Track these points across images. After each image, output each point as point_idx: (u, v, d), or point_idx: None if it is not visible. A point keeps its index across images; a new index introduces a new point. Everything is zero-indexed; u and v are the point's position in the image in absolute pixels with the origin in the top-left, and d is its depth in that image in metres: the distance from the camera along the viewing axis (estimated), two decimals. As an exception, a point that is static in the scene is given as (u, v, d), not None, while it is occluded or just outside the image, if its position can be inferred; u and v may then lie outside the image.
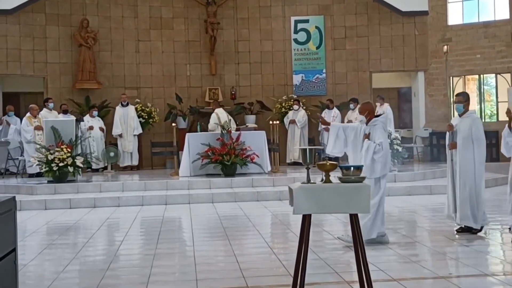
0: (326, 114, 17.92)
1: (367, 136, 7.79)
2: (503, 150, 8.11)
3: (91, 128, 16.70)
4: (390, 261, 6.97)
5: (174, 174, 14.97)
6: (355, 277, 5.16)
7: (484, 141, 8.31)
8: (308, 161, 5.15)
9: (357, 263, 5.02)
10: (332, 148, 8.19)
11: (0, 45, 17.62)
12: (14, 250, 3.32)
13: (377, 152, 7.64)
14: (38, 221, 10.85)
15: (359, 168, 5.06)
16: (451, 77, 19.11)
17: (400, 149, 14.60)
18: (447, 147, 8.54)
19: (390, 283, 5.92)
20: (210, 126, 15.93)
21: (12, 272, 3.36)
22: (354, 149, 7.96)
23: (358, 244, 5.02)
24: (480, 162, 8.24)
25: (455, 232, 8.38)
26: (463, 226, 8.41)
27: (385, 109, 16.77)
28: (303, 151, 5.23)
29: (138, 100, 18.37)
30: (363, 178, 5.02)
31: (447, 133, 8.56)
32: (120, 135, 17.56)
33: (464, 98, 8.46)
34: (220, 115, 15.75)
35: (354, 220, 5.04)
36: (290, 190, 4.98)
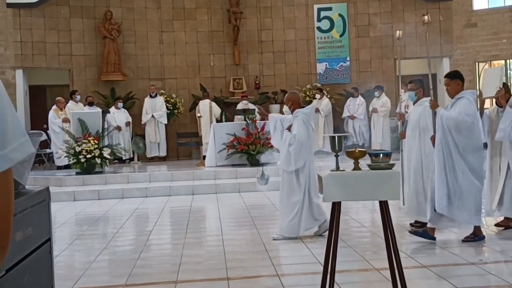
0: (351, 102, 17.91)
1: (289, 128, 7.70)
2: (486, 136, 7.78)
3: (118, 128, 16.79)
4: (419, 248, 6.97)
5: (200, 165, 15.05)
6: (385, 264, 5.17)
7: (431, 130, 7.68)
8: (336, 148, 5.16)
9: (387, 250, 5.02)
10: (272, 139, 8.21)
11: (26, 39, 17.81)
12: (49, 240, 3.38)
13: (291, 144, 7.52)
14: (67, 213, 11.00)
15: (388, 155, 5.07)
16: (476, 63, 18.92)
17: (424, 136, 14.49)
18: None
19: (420, 269, 5.94)
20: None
21: (48, 262, 3.42)
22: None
23: (388, 231, 5.02)
24: (426, 154, 7.77)
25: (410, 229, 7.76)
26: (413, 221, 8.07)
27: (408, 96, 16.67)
28: (332, 138, 5.24)
29: (163, 91, 18.47)
30: (393, 165, 5.01)
31: (398, 123, 8.40)
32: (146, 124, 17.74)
33: (416, 85, 8.24)
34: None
35: (384, 207, 5.03)
36: (320, 178, 5.00)
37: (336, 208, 4.98)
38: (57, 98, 16.48)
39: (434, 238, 7.12)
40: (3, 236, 1.14)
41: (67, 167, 14.94)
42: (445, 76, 7.41)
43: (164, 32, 19.14)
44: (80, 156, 13.63)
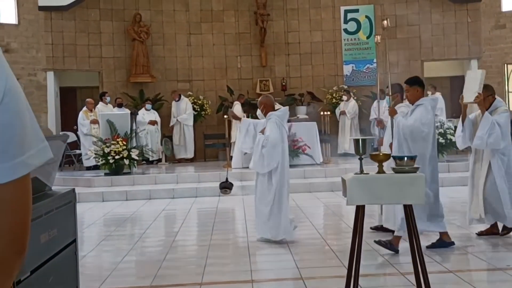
0: (378, 105, 17.79)
1: (262, 131, 7.71)
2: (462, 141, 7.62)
3: (152, 123, 16.95)
4: (445, 253, 6.92)
5: (227, 166, 15.10)
6: (410, 268, 5.15)
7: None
8: (361, 151, 5.15)
9: (412, 254, 5.01)
10: (242, 143, 8.17)
11: (57, 41, 18.07)
12: (75, 241, 3.42)
13: (264, 146, 7.51)
14: (96, 213, 11.12)
15: (412, 158, 5.05)
16: (505, 65, 18.70)
17: (453, 138, 14.38)
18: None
19: (446, 274, 5.89)
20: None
21: (73, 263, 3.46)
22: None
23: (413, 235, 5.00)
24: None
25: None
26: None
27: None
28: (356, 141, 5.22)
29: (191, 93, 18.58)
30: (417, 168, 5.00)
31: (377, 129, 8.23)
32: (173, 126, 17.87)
33: (393, 90, 8.22)
34: None
35: (408, 210, 5.02)
36: (343, 180, 4.99)
37: (360, 211, 4.98)
38: (86, 100, 16.68)
39: (397, 250, 6.87)
40: (20, 242, 1.17)
41: (96, 167, 15.11)
42: (405, 82, 7.23)
43: (192, 34, 19.26)
44: (109, 157, 13.78)
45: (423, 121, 6.84)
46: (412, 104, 7.04)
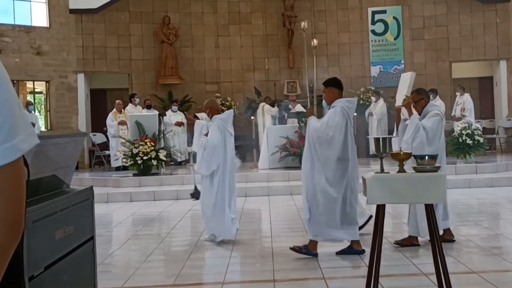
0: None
1: (207, 134, 7.90)
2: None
3: (179, 124, 17.05)
4: (471, 254, 6.88)
5: (254, 167, 15.16)
6: (433, 269, 5.13)
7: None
8: (381, 150, 5.14)
9: (433, 254, 5.00)
10: (194, 145, 8.31)
11: (87, 43, 18.33)
12: (92, 238, 3.46)
13: (205, 148, 7.68)
14: (124, 213, 11.25)
15: (434, 157, 5.03)
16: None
17: (481, 140, 14.26)
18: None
19: (469, 275, 5.85)
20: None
21: (91, 260, 3.50)
22: None
23: (434, 235, 4.99)
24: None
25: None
26: None
27: (465, 99, 16.44)
28: (376, 140, 5.22)
29: (218, 95, 18.68)
30: (438, 167, 4.98)
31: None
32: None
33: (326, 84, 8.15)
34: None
35: (429, 210, 5.01)
36: (364, 180, 5.00)
37: (380, 210, 4.98)
38: (116, 101, 16.88)
39: (316, 254, 6.85)
40: (16, 227, 1.20)
41: (124, 168, 15.27)
42: (322, 83, 7.15)
43: (220, 36, 19.37)
44: (137, 158, 13.92)
45: (329, 123, 6.71)
46: (329, 106, 6.93)
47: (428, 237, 6.98)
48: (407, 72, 8.05)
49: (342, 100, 6.80)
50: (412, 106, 7.35)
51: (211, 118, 8.02)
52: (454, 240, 7.35)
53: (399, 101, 7.64)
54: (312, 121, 6.95)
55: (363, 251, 6.80)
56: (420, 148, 7.12)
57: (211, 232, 7.93)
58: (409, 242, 7.28)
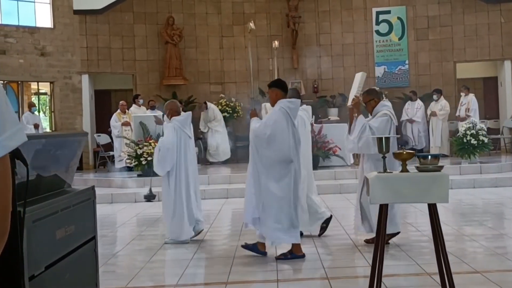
0: (410, 106, 17.72)
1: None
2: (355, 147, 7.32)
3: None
4: (475, 253, 6.88)
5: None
6: (437, 269, 5.13)
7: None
8: (384, 150, 5.14)
9: (436, 253, 5.00)
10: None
11: (91, 44, 18.36)
12: (94, 238, 3.46)
13: (159, 150, 7.86)
14: (128, 213, 11.26)
15: (436, 157, 5.03)
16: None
17: (486, 140, 14.23)
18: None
19: (473, 275, 5.85)
20: None
21: (92, 260, 3.50)
22: None
23: (437, 235, 4.99)
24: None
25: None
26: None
27: (470, 99, 16.42)
28: (379, 139, 5.22)
29: (223, 95, 18.69)
30: (441, 167, 4.97)
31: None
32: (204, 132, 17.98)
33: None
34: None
35: (432, 210, 5.00)
36: (366, 179, 4.99)
37: (383, 210, 4.98)
38: (120, 102, 16.90)
39: (265, 253, 6.90)
40: (1, 224, 1.19)
41: (130, 169, 15.28)
42: (267, 85, 7.15)
43: (224, 37, 19.38)
44: (141, 159, 13.93)
45: (267, 123, 6.72)
46: (272, 107, 6.93)
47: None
48: (359, 72, 8.07)
49: (284, 101, 6.77)
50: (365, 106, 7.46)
51: (170, 119, 8.14)
52: (389, 243, 7.27)
53: (350, 102, 7.67)
54: (253, 122, 6.97)
55: (303, 256, 6.78)
56: (365, 148, 7.17)
57: (170, 234, 8.04)
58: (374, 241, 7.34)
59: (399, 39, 18.88)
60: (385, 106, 7.42)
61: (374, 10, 19.00)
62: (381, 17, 18.95)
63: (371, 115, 7.42)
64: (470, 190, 12.29)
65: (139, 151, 13.98)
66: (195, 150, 16.92)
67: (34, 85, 18.94)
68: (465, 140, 14.10)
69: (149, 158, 13.91)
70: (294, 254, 6.75)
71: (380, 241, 4.90)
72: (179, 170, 7.94)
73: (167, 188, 7.99)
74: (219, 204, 11.88)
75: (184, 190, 7.93)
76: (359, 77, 7.83)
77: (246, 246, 7.04)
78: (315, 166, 14.19)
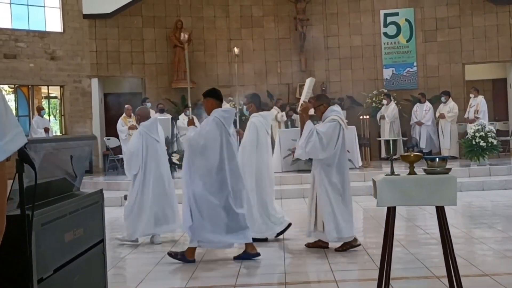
0: (418, 108, 17.68)
1: None
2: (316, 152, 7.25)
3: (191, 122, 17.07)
4: (484, 256, 6.85)
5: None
6: (445, 271, 5.12)
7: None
8: (391, 152, 5.14)
9: (444, 257, 4.99)
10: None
11: (101, 48, 18.44)
12: (102, 241, 3.48)
13: (125, 153, 8.13)
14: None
15: (444, 159, 5.02)
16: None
17: (495, 142, 14.18)
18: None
19: (482, 278, 5.83)
20: None
21: (101, 262, 3.52)
22: None
23: (445, 237, 4.98)
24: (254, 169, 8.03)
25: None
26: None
27: (479, 101, 16.36)
28: (386, 142, 5.25)
29: (231, 98, 18.70)
30: (449, 169, 4.96)
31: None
32: None
33: (247, 100, 8.40)
34: None
35: (440, 212, 5.00)
36: (374, 182, 4.99)
37: (391, 213, 4.97)
38: (125, 106, 16.94)
39: (193, 261, 6.98)
40: None
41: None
42: (202, 94, 7.22)
43: (233, 40, 19.41)
44: (149, 162, 13.93)
45: (201, 132, 6.80)
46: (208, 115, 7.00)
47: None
48: (309, 78, 8.15)
49: (218, 110, 6.85)
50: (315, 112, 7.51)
51: (139, 124, 8.45)
52: (360, 244, 7.38)
53: (299, 107, 7.80)
54: (189, 130, 7.08)
55: (257, 254, 6.91)
56: (313, 153, 7.20)
57: (126, 231, 8.33)
58: (318, 245, 7.41)
59: (407, 41, 18.85)
60: (334, 111, 7.43)
61: (382, 12, 18.99)
62: (389, 19, 18.94)
63: (321, 120, 7.46)
64: (479, 193, 12.24)
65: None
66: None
67: (44, 89, 19.03)
68: (474, 142, 14.06)
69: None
70: (248, 253, 6.94)
71: (388, 244, 4.90)
72: (145, 173, 8.21)
73: (131, 189, 8.34)
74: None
75: (152, 192, 8.20)
76: (308, 83, 7.91)
77: (170, 254, 7.11)
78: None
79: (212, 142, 6.75)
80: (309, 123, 7.28)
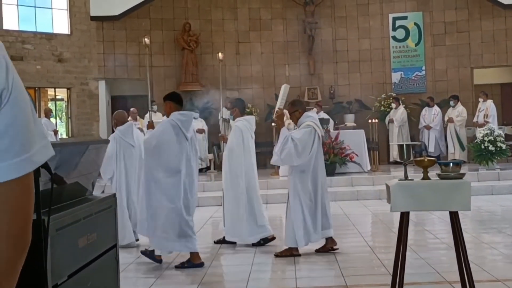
0: (427, 112, 17.62)
1: None
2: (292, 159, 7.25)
3: (199, 131, 17.07)
4: (495, 261, 6.80)
5: (275, 174, 15.13)
6: (457, 277, 5.07)
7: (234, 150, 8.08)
8: (405, 157, 5.10)
9: (458, 262, 4.94)
10: None
11: (108, 50, 18.43)
12: (115, 246, 3.45)
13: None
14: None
15: (458, 164, 4.97)
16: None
17: (504, 146, 14.11)
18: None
19: (494, 283, 5.79)
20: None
21: (114, 268, 3.49)
22: None
23: (459, 243, 4.93)
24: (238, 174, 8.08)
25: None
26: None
27: (488, 106, 16.28)
28: (400, 147, 5.19)
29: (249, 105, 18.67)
30: (463, 174, 4.91)
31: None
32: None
33: (231, 104, 8.45)
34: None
35: (454, 218, 4.95)
36: (387, 187, 4.95)
37: (404, 218, 4.92)
38: (131, 109, 16.90)
39: (160, 261, 7.07)
40: (23, 241, 1.16)
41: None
42: (163, 98, 7.30)
43: (241, 43, 19.39)
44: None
45: (155, 134, 6.89)
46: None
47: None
48: (283, 85, 8.19)
49: (175, 113, 6.89)
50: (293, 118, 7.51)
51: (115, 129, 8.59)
52: (338, 248, 7.38)
53: (274, 114, 7.84)
54: (147, 135, 7.26)
55: (201, 264, 6.90)
56: (288, 159, 7.23)
57: None
58: (289, 253, 7.33)
59: (416, 44, 18.79)
60: (309, 117, 7.45)
61: (391, 15, 18.94)
62: (398, 22, 18.89)
63: (296, 126, 7.48)
64: (488, 197, 12.17)
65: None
66: (210, 156, 17.03)
67: (51, 91, 19.04)
68: (483, 147, 14.00)
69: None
70: (191, 262, 6.91)
71: (401, 249, 4.85)
72: (120, 177, 8.35)
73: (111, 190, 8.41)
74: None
75: (124, 196, 8.30)
76: (282, 90, 7.97)
77: (144, 253, 7.23)
78: (332, 172, 14.17)
79: (165, 143, 6.79)
80: (284, 130, 7.34)
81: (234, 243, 8.13)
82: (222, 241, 8.26)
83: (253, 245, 8.04)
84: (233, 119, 8.45)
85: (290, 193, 7.33)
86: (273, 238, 8.15)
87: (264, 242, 8.08)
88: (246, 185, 8.05)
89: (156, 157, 6.80)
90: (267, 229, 8.12)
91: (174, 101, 7.03)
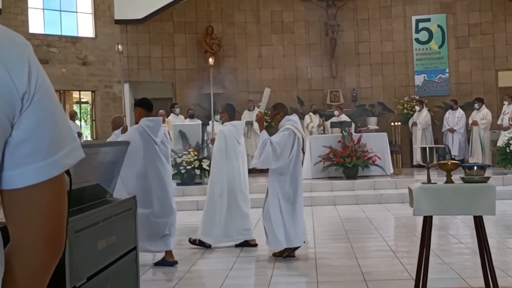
0: (450, 115, 17.45)
1: None
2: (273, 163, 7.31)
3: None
4: (520, 267, 6.69)
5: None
6: (481, 282, 4.99)
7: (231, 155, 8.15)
8: (428, 160, 5.03)
9: (482, 268, 4.88)
10: None
11: (132, 53, 18.54)
12: (135, 248, 3.44)
13: None
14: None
15: (483, 167, 4.90)
16: None
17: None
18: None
19: (519, 289, 5.69)
20: None
21: (133, 270, 3.48)
22: None
23: (484, 248, 4.86)
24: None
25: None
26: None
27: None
28: (423, 150, 5.12)
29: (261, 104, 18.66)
30: (488, 178, 4.84)
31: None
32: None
33: (222, 109, 8.44)
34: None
35: (478, 222, 4.88)
36: (410, 190, 4.89)
37: (427, 222, 4.86)
38: (159, 111, 16.99)
39: (173, 263, 7.19)
40: (56, 245, 1.15)
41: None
42: (134, 104, 7.36)
43: (263, 45, 19.38)
44: (181, 168, 13.98)
45: (126, 137, 6.89)
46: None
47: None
48: (266, 88, 8.22)
49: (143, 119, 7.03)
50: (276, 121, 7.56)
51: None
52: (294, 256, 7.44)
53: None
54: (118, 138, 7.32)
55: (174, 263, 7.15)
56: (266, 162, 7.31)
57: None
58: (288, 253, 7.39)
59: (439, 47, 18.63)
60: (289, 121, 7.50)
61: (414, 18, 18.81)
62: (421, 25, 18.75)
63: (277, 129, 7.54)
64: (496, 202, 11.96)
65: (178, 160, 14.02)
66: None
67: (75, 94, 19.20)
68: (508, 150, 13.82)
69: (188, 167, 13.95)
70: (166, 260, 7.16)
71: (425, 254, 4.79)
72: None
73: None
74: (257, 213, 11.77)
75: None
76: (264, 93, 8.02)
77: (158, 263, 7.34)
78: (354, 176, 14.09)
79: (133, 149, 6.73)
80: (263, 133, 7.44)
81: (209, 245, 8.24)
82: (197, 242, 8.39)
83: (236, 246, 8.19)
84: (222, 124, 8.53)
85: (270, 196, 7.41)
86: (255, 245, 8.21)
87: (245, 244, 8.22)
88: (228, 189, 8.13)
89: (130, 160, 6.94)
90: (250, 233, 8.24)
91: (143, 107, 7.17)
